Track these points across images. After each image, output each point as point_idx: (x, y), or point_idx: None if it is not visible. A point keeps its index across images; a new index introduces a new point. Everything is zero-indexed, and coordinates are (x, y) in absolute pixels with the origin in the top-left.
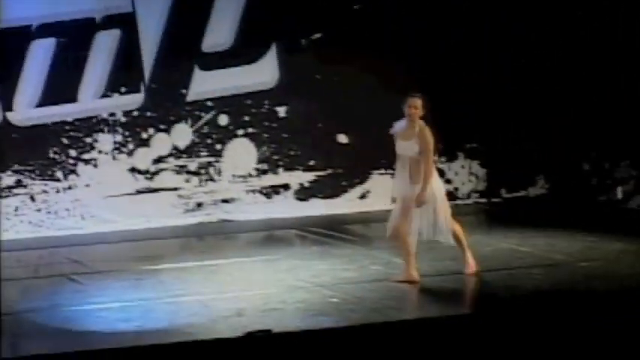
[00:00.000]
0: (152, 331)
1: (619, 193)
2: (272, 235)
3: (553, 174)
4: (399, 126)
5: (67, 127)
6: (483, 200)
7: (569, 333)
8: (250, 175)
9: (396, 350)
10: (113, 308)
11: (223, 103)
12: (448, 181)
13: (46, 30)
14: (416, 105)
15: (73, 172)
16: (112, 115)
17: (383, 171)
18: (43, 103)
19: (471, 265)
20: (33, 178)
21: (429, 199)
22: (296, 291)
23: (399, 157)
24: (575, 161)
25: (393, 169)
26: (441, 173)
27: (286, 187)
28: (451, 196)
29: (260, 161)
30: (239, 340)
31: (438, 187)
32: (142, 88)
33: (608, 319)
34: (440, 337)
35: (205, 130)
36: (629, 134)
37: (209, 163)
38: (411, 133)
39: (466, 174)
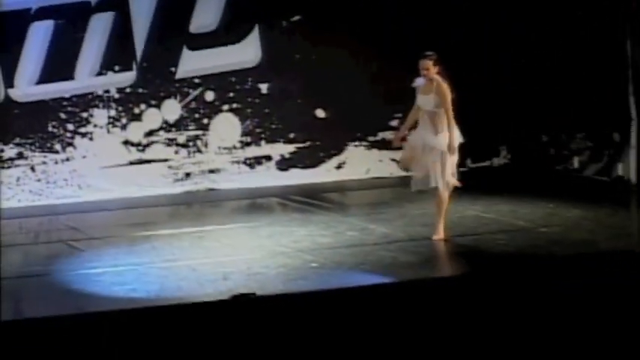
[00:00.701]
0: (145, 294)
1: (576, 162)
2: (255, 203)
3: (515, 145)
4: (420, 80)
5: (65, 103)
6: None
7: (531, 295)
8: (235, 147)
9: (372, 312)
10: (108, 272)
11: (210, 80)
12: None
13: (44, 13)
14: (426, 66)
15: (71, 144)
16: (107, 91)
17: (357, 143)
18: (42, 80)
19: (440, 233)
20: (33, 151)
21: (442, 147)
22: (278, 256)
23: (418, 109)
24: (535, 133)
25: (368, 142)
26: None
27: (268, 158)
28: None
29: (244, 134)
30: (225, 303)
31: (454, 139)
32: (134, 66)
33: (568, 283)
34: (413, 300)
35: (193, 105)
36: (584, 109)
37: (197, 136)
38: (429, 89)
39: None
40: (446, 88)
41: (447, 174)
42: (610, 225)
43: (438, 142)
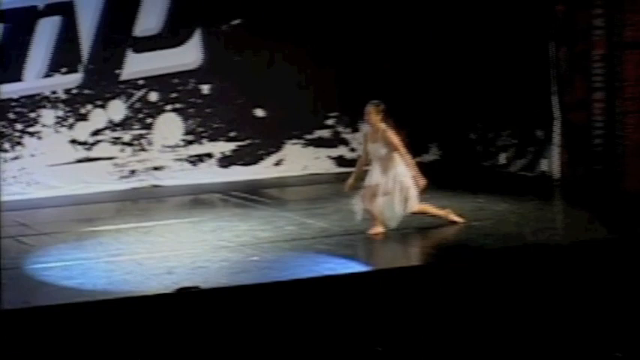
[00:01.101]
0: (92, 288)
1: (502, 158)
2: (197, 199)
3: (444, 142)
4: (366, 127)
5: (14, 104)
6: None
7: (466, 285)
8: (178, 146)
9: (312, 304)
10: (57, 267)
11: (153, 81)
12: (353, 150)
13: None
14: (368, 112)
15: (20, 143)
16: (54, 92)
17: (295, 141)
18: None
19: (376, 229)
20: None
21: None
22: (220, 250)
23: (370, 155)
24: (464, 131)
25: (304, 139)
26: (346, 143)
27: (210, 155)
28: (354, 162)
29: (186, 133)
30: (171, 296)
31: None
32: (81, 68)
33: (499, 273)
34: (352, 292)
35: (138, 105)
36: (509, 108)
37: (141, 135)
38: (376, 137)
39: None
40: (392, 134)
41: (401, 207)
42: (535, 218)
43: (386, 181)
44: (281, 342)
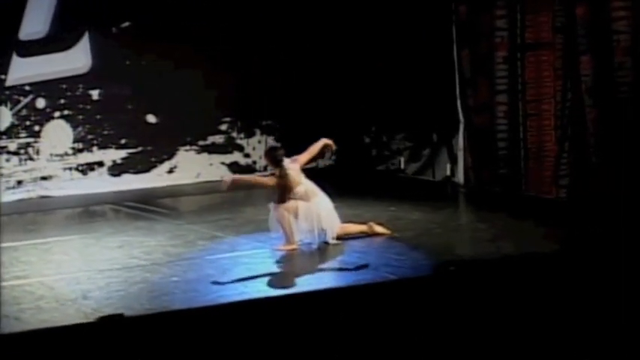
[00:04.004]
0: (3, 319)
1: (402, 162)
2: (89, 210)
3: (339, 147)
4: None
5: None
6: None
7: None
8: (67, 154)
9: (247, 329)
10: None
11: (40, 87)
12: (247, 155)
13: None
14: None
15: None
16: None
17: (188, 147)
18: None
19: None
20: None
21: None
22: (134, 270)
23: None
24: (358, 135)
25: (198, 146)
26: (241, 148)
27: (100, 164)
28: (250, 169)
29: (76, 141)
30: (93, 326)
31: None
32: None
33: (432, 287)
34: (286, 318)
35: (24, 112)
36: (403, 111)
37: (28, 144)
38: None
39: (262, 148)
40: (268, 179)
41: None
42: (456, 229)
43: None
44: None
